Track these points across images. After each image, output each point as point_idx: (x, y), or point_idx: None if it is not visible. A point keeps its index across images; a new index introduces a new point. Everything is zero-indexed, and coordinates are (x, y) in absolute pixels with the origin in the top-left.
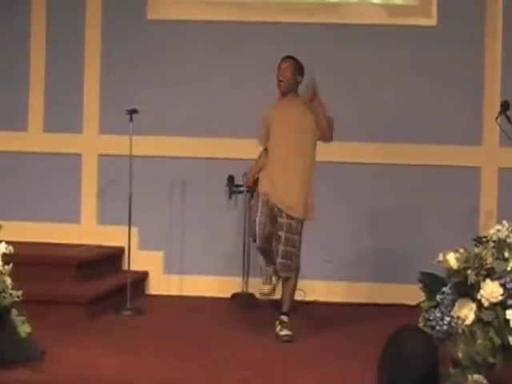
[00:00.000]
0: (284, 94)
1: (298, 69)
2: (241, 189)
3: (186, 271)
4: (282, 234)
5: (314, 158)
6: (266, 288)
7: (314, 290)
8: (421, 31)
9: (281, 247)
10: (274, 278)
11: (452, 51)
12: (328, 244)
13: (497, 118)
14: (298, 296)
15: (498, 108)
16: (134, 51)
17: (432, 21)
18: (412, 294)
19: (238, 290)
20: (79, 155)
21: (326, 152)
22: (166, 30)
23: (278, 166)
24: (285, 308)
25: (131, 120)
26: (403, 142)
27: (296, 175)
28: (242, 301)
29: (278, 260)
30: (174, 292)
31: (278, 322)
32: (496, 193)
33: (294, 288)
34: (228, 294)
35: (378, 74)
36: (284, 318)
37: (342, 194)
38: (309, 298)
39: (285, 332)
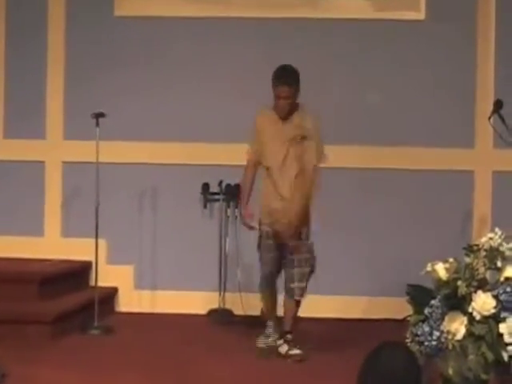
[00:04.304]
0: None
1: (298, 87)
2: (216, 197)
3: (158, 286)
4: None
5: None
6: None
7: (305, 305)
8: (408, 26)
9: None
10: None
11: (442, 47)
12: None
13: (490, 118)
14: None
15: (490, 107)
16: (101, 51)
17: (420, 15)
18: (399, 308)
19: (214, 305)
20: (42, 163)
21: None
22: (135, 28)
23: None
24: (289, 326)
25: (97, 124)
26: (390, 145)
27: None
28: (219, 317)
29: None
30: (146, 309)
31: (281, 341)
32: (490, 197)
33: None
34: (204, 311)
35: (363, 71)
36: (290, 336)
37: (330, 200)
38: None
39: (296, 352)
